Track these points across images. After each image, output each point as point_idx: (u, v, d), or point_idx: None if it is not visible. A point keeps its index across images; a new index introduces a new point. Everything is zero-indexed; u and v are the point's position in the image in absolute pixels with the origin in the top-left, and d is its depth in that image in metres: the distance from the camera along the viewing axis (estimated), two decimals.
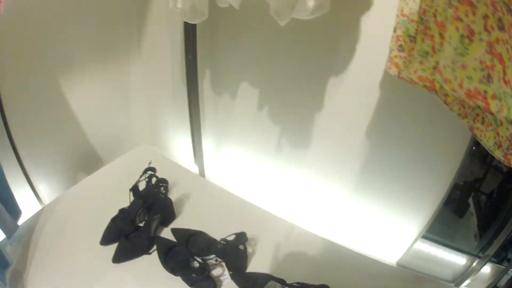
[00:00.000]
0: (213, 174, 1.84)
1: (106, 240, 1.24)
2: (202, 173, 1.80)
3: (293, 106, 1.41)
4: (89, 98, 1.69)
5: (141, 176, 1.35)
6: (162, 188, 1.36)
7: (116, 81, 1.80)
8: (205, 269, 1.10)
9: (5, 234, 1.21)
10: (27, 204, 1.50)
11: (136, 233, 1.25)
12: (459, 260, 1.29)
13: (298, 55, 1.30)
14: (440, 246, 1.30)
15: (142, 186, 1.36)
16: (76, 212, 1.37)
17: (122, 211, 1.32)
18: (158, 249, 1.20)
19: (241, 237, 1.18)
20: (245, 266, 1.18)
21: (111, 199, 1.36)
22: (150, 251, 1.21)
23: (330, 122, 1.34)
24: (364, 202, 1.40)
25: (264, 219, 1.41)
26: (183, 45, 1.48)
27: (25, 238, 1.20)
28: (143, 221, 1.33)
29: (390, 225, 1.36)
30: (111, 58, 1.73)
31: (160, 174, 1.38)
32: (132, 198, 1.34)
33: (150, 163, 1.38)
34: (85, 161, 1.78)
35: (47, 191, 1.63)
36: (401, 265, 1.35)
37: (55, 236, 1.24)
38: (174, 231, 1.30)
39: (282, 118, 1.48)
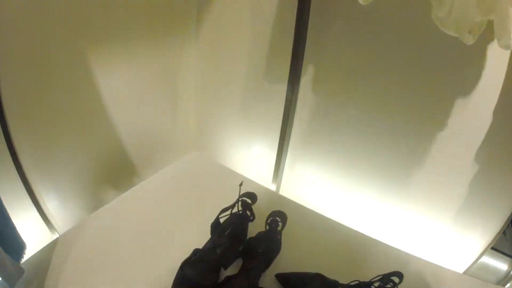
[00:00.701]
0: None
1: None
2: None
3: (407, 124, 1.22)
4: (123, 90, 1.25)
5: (232, 208, 0.96)
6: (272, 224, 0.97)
7: (162, 67, 1.40)
8: None
9: (7, 282, 0.77)
10: (31, 230, 1.09)
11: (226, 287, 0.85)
12: None
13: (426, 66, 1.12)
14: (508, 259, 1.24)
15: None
16: (107, 248, 0.93)
17: (197, 253, 0.92)
18: None
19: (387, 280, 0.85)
20: None
21: (163, 230, 0.99)
22: None
23: (445, 147, 1.18)
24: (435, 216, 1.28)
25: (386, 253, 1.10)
26: (272, 35, 1.26)
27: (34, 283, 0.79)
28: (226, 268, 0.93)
29: (457, 237, 1.27)
30: (161, 41, 1.34)
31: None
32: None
33: (241, 184, 0.99)
34: (115, 174, 1.30)
35: (61, 214, 1.16)
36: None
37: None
38: (281, 277, 0.92)
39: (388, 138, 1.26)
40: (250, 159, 1.58)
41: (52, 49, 1.02)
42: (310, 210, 1.19)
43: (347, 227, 1.14)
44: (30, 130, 1.04)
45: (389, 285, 0.82)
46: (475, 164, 1.14)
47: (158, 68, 1.38)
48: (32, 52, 0.98)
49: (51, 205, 1.16)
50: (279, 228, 0.94)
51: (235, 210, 0.95)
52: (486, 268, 1.24)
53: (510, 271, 1.21)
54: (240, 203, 0.94)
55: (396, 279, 0.83)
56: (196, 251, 0.90)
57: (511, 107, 1.03)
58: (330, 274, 0.90)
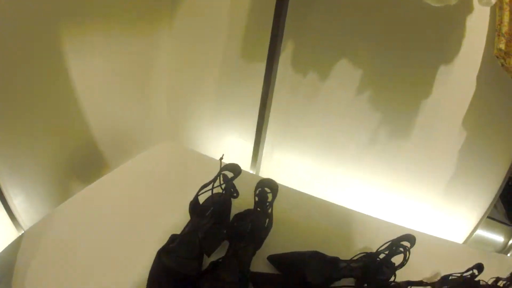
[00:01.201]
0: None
1: None
2: None
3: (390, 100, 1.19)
4: (95, 78, 1.14)
5: (213, 182, 0.82)
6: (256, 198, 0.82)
7: (137, 50, 1.29)
8: None
9: None
10: None
11: (212, 276, 0.71)
12: None
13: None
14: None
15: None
16: (76, 241, 0.78)
17: (175, 240, 0.77)
18: None
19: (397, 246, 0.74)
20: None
21: (135, 220, 0.85)
22: None
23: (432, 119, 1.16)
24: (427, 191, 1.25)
25: (362, 220, 1.02)
26: (250, 11, 1.19)
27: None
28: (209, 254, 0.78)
29: (449, 212, 1.24)
30: (135, 19, 1.23)
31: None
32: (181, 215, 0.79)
33: (221, 158, 0.86)
34: (85, 167, 1.18)
35: (26, 208, 1.02)
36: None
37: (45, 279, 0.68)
38: (274, 259, 0.79)
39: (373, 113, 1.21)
40: (227, 147, 1.46)
41: (16, 29, 0.89)
42: (296, 190, 1.09)
43: (338, 205, 1.05)
44: None
45: (400, 250, 0.71)
46: (461, 133, 1.11)
47: (132, 56, 1.29)
48: None
49: (17, 200, 1.02)
50: (269, 200, 0.80)
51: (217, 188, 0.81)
52: (482, 240, 1.18)
53: (508, 242, 1.15)
54: (221, 177, 0.80)
55: (407, 244, 0.73)
56: (173, 237, 0.75)
57: (494, 73, 1.02)
58: (327, 251, 0.80)
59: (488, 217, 1.17)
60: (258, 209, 0.79)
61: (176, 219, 0.81)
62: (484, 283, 0.75)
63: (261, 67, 1.21)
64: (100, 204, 0.90)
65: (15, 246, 0.75)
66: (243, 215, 0.78)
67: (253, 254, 0.77)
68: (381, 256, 0.74)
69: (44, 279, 0.68)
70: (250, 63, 1.30)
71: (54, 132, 1.09)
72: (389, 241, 0.73)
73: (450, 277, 0.81)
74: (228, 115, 1.43)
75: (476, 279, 0.76)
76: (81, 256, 0.74)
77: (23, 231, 0.96)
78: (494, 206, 1.16)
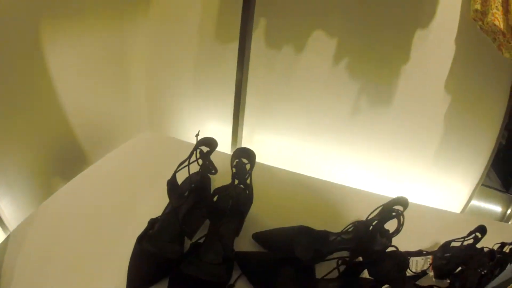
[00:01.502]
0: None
1: (138, 280, 0.62)
2: None
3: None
4: (71, 69, 1.08)
5: (189, 158, 0.75)
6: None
7: (113, 39, 1.24)
8: None
9: None
10: None
11: (194, 258, 0.65)
12: None
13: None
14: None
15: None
16: (60, 237, 0.74)
17: (155, 223, 0.71)
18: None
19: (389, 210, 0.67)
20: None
21: (118, 210, 0.82)
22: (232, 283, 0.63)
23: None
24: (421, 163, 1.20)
25: (349, 193, 0.98)
26: None
27: None
28: (191, 237, 0.72)
29: (441, 182, 1.20)
30: (110, 12, 1.18)
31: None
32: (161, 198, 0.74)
33: (197, 134, 0.80)
34: (66, 163, 1.12)
35: (11, 209, 0.97)
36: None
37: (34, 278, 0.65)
38: (259, 237, 0.74)
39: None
40: (207, 133, 1.39)
41: None
42: (277, 168, 1.04)
43: (322, 180, 1.01)
44: None
45: (393, 215, 0.65)
46: (445, 98, 1.09)
47: (107, 48, 1.23)
48: None
49: (3, 202, 0.98)
50: (248, 169, 0.74)
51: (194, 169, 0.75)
52: (479, 211, 1.14)
53: (506, 211, 1.10)
54: (197, 152, 0.74)
55: (399, 207, 0.67)
56: (153, 221, 0.68)
57: (470, 33, 1.00)
58: (315, 226, 0.75)
59: (483, 185, 1.11)
60: (237, 181, 0.72)
61: (157, 203, 0.75)
62: (489, 249, 0.70)
63: (235, 48, 1.16)
64: (82, 198, 0.87)
65: (2, 248, 0.72)
66: (222, 191, 0.71)
67: (237, 231, 0.71)
68: (374, 224, 0.67)
69: (31, 277, 0.66)
70: (224, 45, 1.25)
71: (34, 130, 1.04)
72: (379, 206, 0.67)
73: (451, 244, 0.75)
74: (207, 101, 1.38)
75: (479, 244, 0.70)
76: (65, 251, 0.71)
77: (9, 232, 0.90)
78: (487, 175, 1.11)
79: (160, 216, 0.71)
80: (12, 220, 1.00)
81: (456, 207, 1.17)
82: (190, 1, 1.26)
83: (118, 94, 1.36)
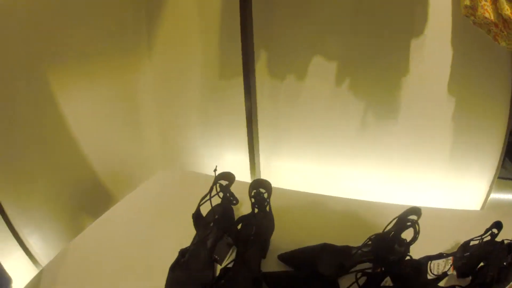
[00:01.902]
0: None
1: None
2: None
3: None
4: (86, 116, 1.20)
5: (210, 192, 0.82)
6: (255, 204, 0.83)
7: (122, 86, 1.35)
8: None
9: None
10: (16, 267, 1.01)
11: (225, 282, 0.70)
12: None
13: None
14: None
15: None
16: (92, 272, 0.79)
17: (185, 253, 0.77)
18: None
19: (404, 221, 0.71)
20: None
21: (147, 243, 0.87)
22: None
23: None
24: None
25: (364, 207, 1.01)
26: (220, 30, 1.23)
27: None
28: (221, 263, 0.78)
29: (457, 182, 1.20)
30: (116, 58, 1.30)
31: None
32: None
33: (215, 169, 0.86)
34: (90, 201, 1.21)
35: (41, 246, 1.05)
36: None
37: None
38: (285, 257, 0.78)
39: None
40: (225, 164, 1.46)
41: (12, 80, 0.97)
42: (295, 191, 1.09)
43: (337, 197, 1.05)
44: (2, 166, 0.97)
45: (408, 225, 0.69)
46: (450, 101, 1.11)
47: (117, 90, 1.34)
48: None
49: (32, 239, 1.06)
50: (266, 198, 0.80)
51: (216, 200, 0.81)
52: (500, 204, 1.13)
53: None
54: (217, 186, 0.81)
55: (413, 217, 0.71)
56: (182, 251, 0.75)
57: (465, 31, 1.01)
58: (337, 242, 0.79)
59: (500, 177, 1.12)
60: (256, 210, 0.78)
61: (184, 235, 0.81)
62: (508, 241, 0.72)
63: (241, 82, 1.23)
64: (111, 234, 0.92)
65: (35, 283, 0.76)
66: (245, 219, 0.77)
67: (262, 255, 0.77)
68: (391, 235, 0.71)
69: None
70: (229, 80, 1.32)
71: (57, 172, 1.14)
72: (395, 218, 0.71)
73: (471, 243, 0.77)
74: (221, 134, 1.44)
75: (498, 238, 0.72)
76: (99, 285, 0.75)
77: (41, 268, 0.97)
78: (503, 167, 1.11)
79: (189, 246, 0.77)
80: (43, 256, 1.08)
81: (476, 204, 1.17)
82: (189, 41, 1.34)
83: (133, 134, 1.46)
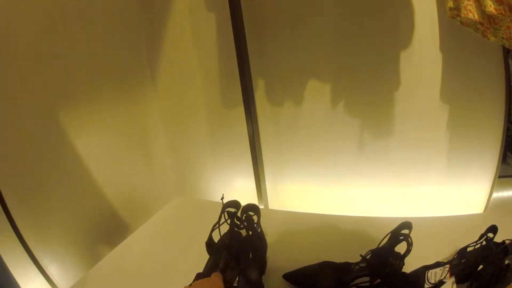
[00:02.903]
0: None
1: None
2: None
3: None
4: (98, 150, 1.27)
5: (219, 221, 0.89)
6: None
7: (130, 119, 1.43)
8: None
9: None
10: None
11: None
12: None
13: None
14: None
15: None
16: None
17: (200, 277, 0.84)
18: None
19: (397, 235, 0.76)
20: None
21: (163, 269, 0.94)
22: None
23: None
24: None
25: (362, 223, 1.06)
26: (218, 62, 1.30)
27: None
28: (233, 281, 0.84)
29: (461, 185, 1.20)
30: (121, 93, 1.38)
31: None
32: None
33: (222, 198, 0.93)
34: (106, 231, 1.28)
35: (61, 274, 1.12)
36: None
37: None
38: (289, 276, 0.84)
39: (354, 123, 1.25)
40: (233, 190, 1.53)
41: (29, 121, 1.06)
42: (296, 212, 1.15)
43: (337, 215, 1.10)
44: (24, 200, 1.05)
45: (401, 239, 0.74)
46: (443, 108, 1.12)
47: (126, 124, 1.41)
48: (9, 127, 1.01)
49: (52, 267, 1.12)
50: (255, 221, 0.87)
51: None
52: (505, 202, 1.13)
53: None
54: (225, 214, 0.88)
55: (406, 231, 0.75)
56: (198, 275, 0.82)
57: (453, 35, 1.03)
58: (336, 259, 0.84)
59: (501, 176, 1.12)
60: (250, 232, 0.85)
61: (198, 260, 0.87)
62: (509, 241, 0.75)
63: (242, 110, 1.30)
64: (129, 262, 0.99)
65: None
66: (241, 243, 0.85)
67: (261, 273, 0.83)
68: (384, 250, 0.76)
69: None
70: (232, 109, 1.38)
71: (75, 205, 1.21)
72: (388, 233, 0.76)
73: (468, 249, 0.80)
74: (227, 161, 1.50)
75: (498, 239, 0.75)
76: None
77: None
78: (507, 163, 1.11)
79: (203, 271, 0.84)
80: (63, 284, 1.14)
81: (479, 207, 1.18)
82: (190, 74, 1.42)
83: (145, 165, 1.53)
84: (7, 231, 1.01)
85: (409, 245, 0.75)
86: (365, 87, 1.18)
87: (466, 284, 0.75)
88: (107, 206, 1.32)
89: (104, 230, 1.30)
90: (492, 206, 1.12)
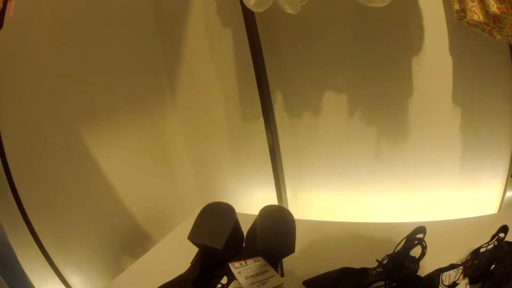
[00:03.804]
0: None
1: None
2: None
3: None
4: (120, 164, 1.34)
5: None
6: None
7: (150, 135, 1.50)
8: None
9: None
10: None
11: None
12: None
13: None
14: None
15: None
16: None
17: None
18: None
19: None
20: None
21: None
22: None
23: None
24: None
25: (379, 229, 1.10)
26: (236, 77, 1.35)
27: None
28: None
29: (475, 187, 1.22)
30: (141, 110, 1.45)
31: None
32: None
33: None
34: (129, 243, 1.33)
35: (83, 286, 1.18)
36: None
37: None
38: (309, 283, 0.88)
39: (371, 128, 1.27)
40: (255, 200, 1.56)
41: (51, 140, 1.13)
42: (315, 220, 1.20)
43: (355, 222, 1.14)
44: (47, 215, 1.12)
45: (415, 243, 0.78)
46: (455, 110, 1.14)
47: (147, 138, 1.47)
48: (34, 142, 1.08)
49: (74, 279, 1.17)
50: None
51: None
52: None
53: None
54: None
55: (420, 235, 0.79)
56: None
57: (462, 41, 1.05)
58: (355, 265, 0.87)
59: None
60: None
61: None
62: None
63: (262, 122, 1.34)
64: (151, 274, 1.02)
65: None
66: None
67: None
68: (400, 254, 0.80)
69: None
70: (252, 120, 1.43)
71: (98, 218, 1.27)
72: (403, 238, 0.80)
73: (481, 250, 0.83)
74: (248, 170, 1.54)
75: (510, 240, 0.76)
76: None
77: None
78: None
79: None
80: None
81: (493, 206, 1.18)
82: (208, 90, 1.47)
83: (166, 177, 1.59)
84: (30, 244, 1.07)
85: (424, 248, 0.78)
86: (380, 97, 1.21)
87: (478, 284, 0.77)
88: (130, 219, 1.37)
89: (127, 242, 1.35)
90: (506, 206, 1.14)
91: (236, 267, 0.72)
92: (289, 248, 0.76)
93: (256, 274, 0.70)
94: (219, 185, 1.63)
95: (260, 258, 0.75)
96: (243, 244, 0.85)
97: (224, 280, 0.77)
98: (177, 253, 1.10)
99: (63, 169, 1.15)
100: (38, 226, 1.08)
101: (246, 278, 0.68)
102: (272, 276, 0.70)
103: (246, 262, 0.73)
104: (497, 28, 0.87)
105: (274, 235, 0.78)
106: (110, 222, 1.30)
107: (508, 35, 0.85)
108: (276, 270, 0.76)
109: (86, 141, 1.21)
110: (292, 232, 0.80)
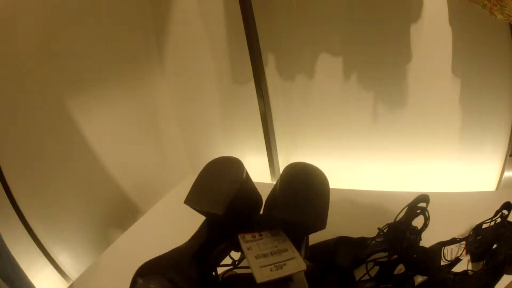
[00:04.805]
0: None
1: None
2: None
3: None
4: (108, 133, 1.26)
5: None
6: None
7: (138, 100, 1.41)
8: None
9: None
10: (47, 284, 1.04)
11: None
12: None
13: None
14: None
15: None
16: (124, 283, 0.82)
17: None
18: None
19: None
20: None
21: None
22: None
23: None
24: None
25: (376, 197, 1.06)
26: (227, 38, 1.28)
27: None
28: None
29: (473, 162, 1.19)
30: (128, 73, 1.36)
31: None
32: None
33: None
34: (117, 214, 1.27)
35: (72, 263, 1.10)
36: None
37: None
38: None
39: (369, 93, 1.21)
40: (246, 166, 1.50)
41: (34, 108, 1.04)
42: None
43: (352, 189, 1.10)
44: (30, 188, 1.04)
45: (418, 213, 0.73)
46: (455, 80, 1.09)
47: (135, 105, 1.40)
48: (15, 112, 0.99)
49: (62, 256, 1.12)
50: None
51: None
52: None
53: None
54: None
55: (423, 204, 0.75)
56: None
57: (462, 13, 1.01)
58: (352, 234, 0.83)
59: None
60: None
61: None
62: None
63: (253, 86, 1.27)
64: (140, 245, 0.98)
65: None
66: None
67: None
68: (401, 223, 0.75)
69: None
70: (243, 84, 1.36)
71: (84, 190, 1.20)
72: (405, 207, 0.75)
73: (483, 226, 0.80)
74: (239, 137, 1.49)
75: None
76: None
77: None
78: None
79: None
80: (74, 273, 1.13)
81: (491, 184, 1.16)
82: (198, 51, 1.38)
83: (154, 146, 1.52)
84: (14, 220, 1.00)
85: (427, 219, 0.74)
86: (377, 60, 1.15)
87: (481, 262, 0.75)
88: (117, 190, 1.31)
89: (115, 214, 1.29)
90: (503, 185, 1.12)
91: (246, 241, 0.57)
92: (320, 220, 0.58)
93: (271, 254, 0.54)
94: (209, 151, 1.58)
95: (280, 231, 0.60)
96: (259, 211, 0.70)
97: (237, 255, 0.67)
98: (167, 223, 1.05)
99: (46, 139, 1.08)
100: (22, 201, 1.02)
101: (257, 258, 0.52)
102: (292, 258, 0.53)
103: (261, 235, 0.59)
104: (498, 6, 0.83)
105: (301, 201, 0.60)
106: (96, 193, 1.24)
107: (509, 15, 0.82)
108: (299, 250, 0.60)
109: (70, 107, 1.13)
110: (325, 201, 0.62)
